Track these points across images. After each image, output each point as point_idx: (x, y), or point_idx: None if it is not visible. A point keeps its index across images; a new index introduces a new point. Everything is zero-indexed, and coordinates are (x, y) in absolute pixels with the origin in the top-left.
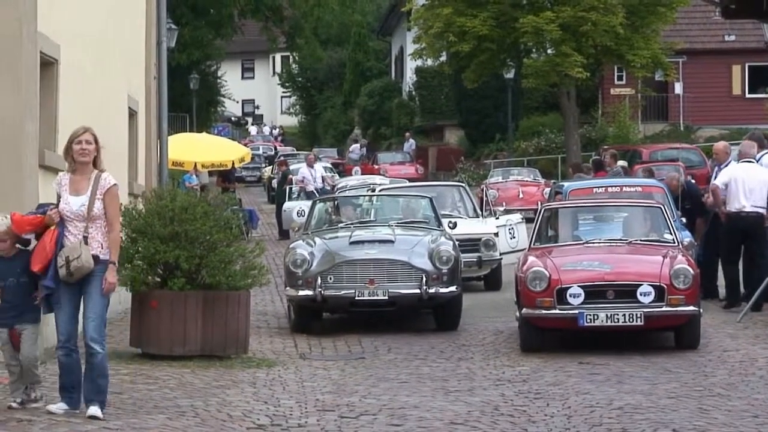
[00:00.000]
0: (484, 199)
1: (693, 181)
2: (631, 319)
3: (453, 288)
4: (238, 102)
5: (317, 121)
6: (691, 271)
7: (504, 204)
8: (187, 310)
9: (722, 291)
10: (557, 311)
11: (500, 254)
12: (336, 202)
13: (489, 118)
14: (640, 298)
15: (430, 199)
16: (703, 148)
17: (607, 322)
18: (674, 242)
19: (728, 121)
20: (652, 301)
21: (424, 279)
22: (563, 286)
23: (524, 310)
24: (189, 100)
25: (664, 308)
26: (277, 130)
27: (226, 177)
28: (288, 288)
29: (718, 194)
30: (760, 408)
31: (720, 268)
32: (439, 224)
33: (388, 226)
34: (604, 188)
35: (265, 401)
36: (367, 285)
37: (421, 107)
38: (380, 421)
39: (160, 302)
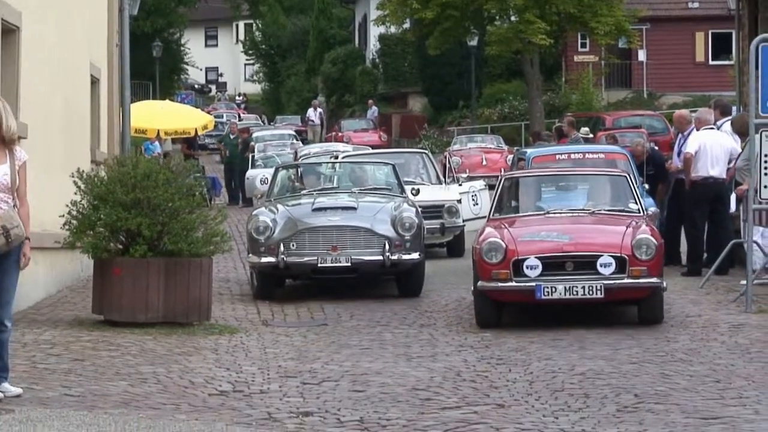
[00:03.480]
0: (447, 166)
1: (656, 147)
2: (590, 292)
3: (416, 255)
4: (201, 70)
5: (281, 89)
6: (655, 241)
7: (467, 171)
8: (150, 277)
9: (684, 257)
10: (513, 284)
11: (463, 221)
12: (299, 170)
13: (452, 86)
14: (600, 270)
15: (393, 166)
16: (666, 115)
17: (565, 294)
18: (639, 212)
19: (691, 88)
20: (613, 273)
21: (387, 246)
22: (520, 257)
23: (480, 283)
24: (152, 67)
25: (625, 280)
26: (241, 97)
27: (190, 144)
28: (251, 255)
29: (691, 162)
30: (722, 373)
31: (683, 234)
32: (402, 191)
33: (351, 193)
34: (567, 155)
35: (227, 368)
36: (329, 252)
37: (385, 75)
38: (342, 387)
39: (122, 269)
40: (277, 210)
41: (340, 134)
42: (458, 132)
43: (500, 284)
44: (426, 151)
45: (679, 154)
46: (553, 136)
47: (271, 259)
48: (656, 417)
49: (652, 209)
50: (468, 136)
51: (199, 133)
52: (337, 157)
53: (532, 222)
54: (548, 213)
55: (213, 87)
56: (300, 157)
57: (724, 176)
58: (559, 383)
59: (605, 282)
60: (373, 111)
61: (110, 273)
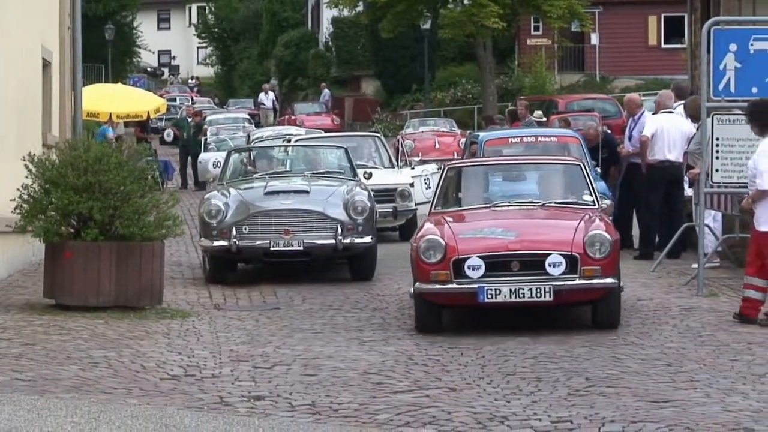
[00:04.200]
0: (400, 149)
1: (609, 131)
2: (538, 294)
3: (368, 238)
4: (154, 53)
5: (233, 72)
6: (609, 237)
7: (420, 154)
8: (101, 261)
9: (636, 241)
10: (454, 286)
11: (415, 205)
12: (251, 153)
13: (405, 69)
14: (549, 270)
15: (346, 150)
16: (618, 99)
17: (510, 297)
18: (594, 204)
19: (644, 71)
20: (563, 273)
21: (339, 229)
22: (460, 256)
23: (417, 285)
24: (104, 50)
25: (576, 281)
26: (194, 80)
27: (143, 128)
28: (203, 239)
29: (647, 145)
30: (673, 357)
31: (634, 218)
32: (355, 175)
33: (304, 176)
34: (519, 138)
35: (178, 352)
36: (282, 235)
37: (338, 58)
38: (294, 371)
39: (73, 253)
40: (230, 194)
41: (292, 118)
42: (411, 115)
43: (439, 286)
44: (379, 135)
45: (630, 138)
46: (506, 119)
47: (224, 243)
48: (607, 400)
49: (608, 201)
50: (421, 119)
51: (152, 116)
52: (289, 141)
53: (476, 216)
54: (494, 206)
55: (165, 70)
56: (252, 140)
57: (681, 160)
58: (512, 367)
59: (554, 283)
60: (326, 94)
61: (62, 257)
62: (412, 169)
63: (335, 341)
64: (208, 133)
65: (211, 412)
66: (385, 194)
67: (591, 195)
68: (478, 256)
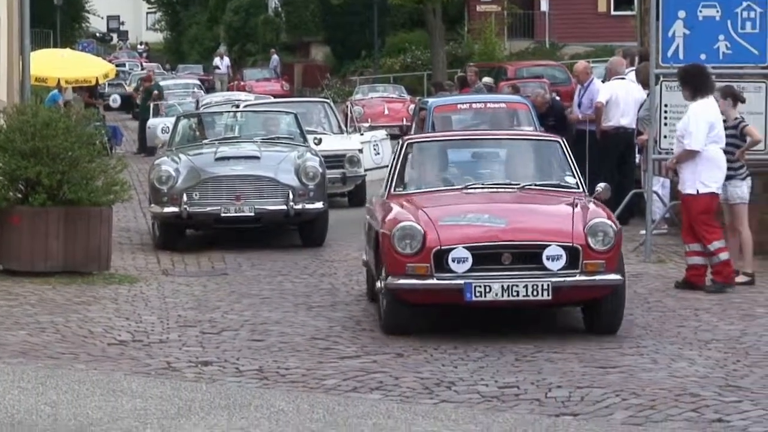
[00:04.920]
0: (349, 115)
1: (558, 98)
2: (534, 292)
3: (319, 204)
4: (102, 18)
5: (182, 38)
6: (613, 227)
7: (369, 120)
8: (49, 226)
9: None
10: (435, 281)
11: (365, 170)
12: (200, 119)
13: (355, 35)
14: (547, 264)
15: (295, 116)
16: (568, 66)
17: (503, 295)
18: (578, 188)
19: (594, 38)
20: (563, 268)
21: (291, 195)
22: (443, 247)
23: (390, 280)
24: (53, 15)
25: (578, 277)
26: (143, 46)
27: (91, 93)
28: (153, 205)
29: (602, 111)
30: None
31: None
32: (305, 140)
33: (254, 142)
34: (468, 104)
35: (126, 317)
36: (233, 201)
37: (288, 24)
38: (242, 337)
39: (21, 218)
40: (180, 159)
41: (242, 83)
42: (361, 82)
43: (418, 281)
44: (328, 101)
45: (579, 105)
46: (456, 85)
47: (174, 209)
48: (554, 366)
49: (603, 185)
50: (370, 85)
51: (101, 82)
52: (238, 107)
53: (448, 200)
54: (467, 188)
55: (114, 36)
56: (202, 106)
57: (634, 126)
58: (459, 332)
59: (553, 279)
60: (275, 60)
61: (9, 222)
62: (361, 135)
63: (283, 307)
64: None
65: (159, 377)
66: (334, 160)
67: (574, 176)
68: (464, 247)
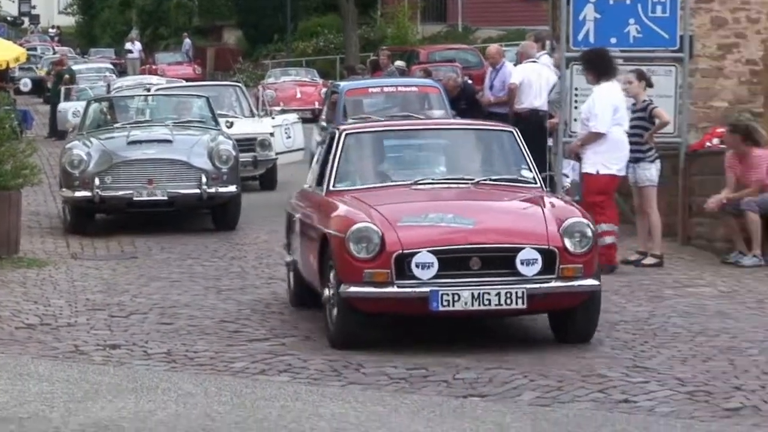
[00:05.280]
0: (261, 99)
1: (470, 81)
2: (508, 300)
3: (232, 187)
4: (13, 2)
5: (94, 21)
6: (591, 227)
7: (281, 104)
8: None
9: None
10: (396, 289)
11: (276, 154)
12: (111, 103)
13: (268, 19)
14: (521, 269)
15: (207, 99)
16: (481, 49)
17: (473, 304)
18: (535, 182)
19: (506, 22)
20: (538, 273)
21: (204, 178)
22: (406, 251)
23: (343, 288)
24: None
25: (554, 283)
26: (54, 30)
27: (2, 77)
28: (64, 189)
29: (515, 93)
30: None
31: None
32: (217, 124)
33: (165, 126)
34: (380, 88)
35: (35, 301)
36: (145, 185)
37: (200, 7)
38: (150, 320)
39: None
40: (92, 143)
41: (154, 67)
42: (273, 65)
43: (376, 289)
44: (239, 84)
45: (491, 88)
46: (368, 69)
47: (86, 193)
48: (462, 348)
49: (571, 180)
50: (282, 69)
51: (11, 66)
52: (149, 90)
53: (399, 197)
54: (416, 183)
55: (26, 19)
56: (113, 90)
57: (546, 108)
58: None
59: (528, 286)
60: (188, 44)
61: None
62: (273, 118)
63: (192, 290)
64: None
65: (66, 360)
66: (245, 144)
67: (530, 170)
68: (429, 251)
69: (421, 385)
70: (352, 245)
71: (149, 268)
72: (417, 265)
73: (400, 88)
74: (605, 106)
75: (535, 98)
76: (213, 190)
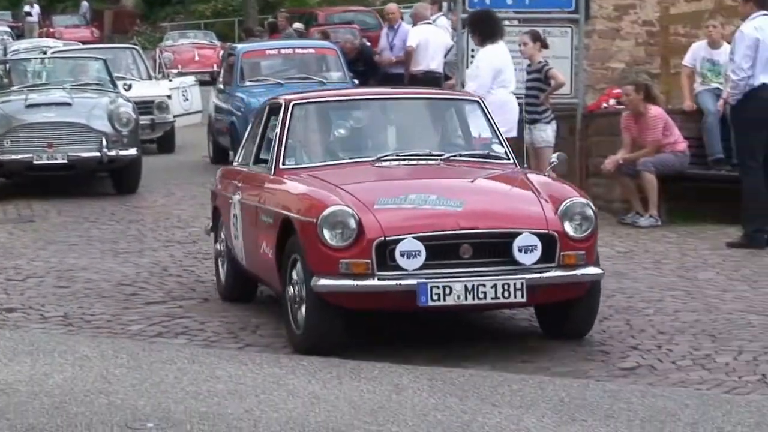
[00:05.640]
0: (158, 61)
1: (369, 43)
2: (506, 293)
3: (133, 150)
4: None
5: None
6: (591, 208)
7: (179, 67)
8: None
9: None
10: (378, 282)
11: (173, 117)
12: (7, 66)
13: None
14: (518, 257)
15: (105, 62)
16: (378, 11)
17: (467, 298)
18: (507, 158)
19: None
20: (538, 262)
21: (104, 141)
22: (388, 237)
23: (316, 281)
24: None
25: (555, 272)
26: None
27: None
28: None
29: (412, 55)
30: None
31: None
32: (115, 86)
33: (63, 88)
34: (277, 50)
35: None
36: (45, 149)
37: None
38: (47, 283)
39: None
40: None
41: (51, 30)
42: (171, 28)
43: (354, 282)
44: (137, 47)
45: (391, 48)
46: (266, 31)
47: None
48: None
49: (559, 154)
50: (181, 32)
51: None
52: (45, 53)
53: (364, 175)
54: (380, 160)
55: None
56: (9, 53)
57: (441, 70)
58: None
59: (527, 276)
60: (85, 7)
61: None
62: (170, 81)
63: (90, 253)
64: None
65: None
66: (142, 106)
67: (501, 145)
68: (415, 238)
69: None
70: (326, 231)
71: (46, 231)
72: (402, 254)
73: (297, 51)
74: (486, 68)
75: (431, 60)
76: (113, 153)
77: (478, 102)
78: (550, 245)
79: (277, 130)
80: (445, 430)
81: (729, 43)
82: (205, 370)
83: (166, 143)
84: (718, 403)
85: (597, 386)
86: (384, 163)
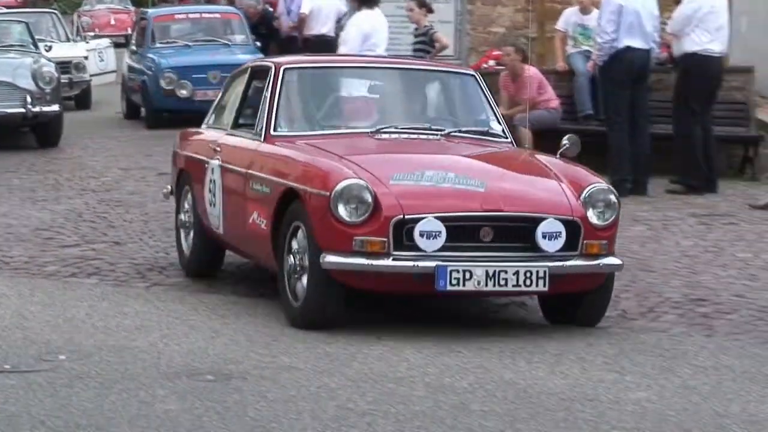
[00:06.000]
0: (77, 25)
1: (271, 9)
2: (528, 281)
3: (55, 107)
4: None
5: None
6: (615, 195)
7: (96, 30)
8: None
9: None
10: (394, 262)
11: (90, 76)
12: None
13: None
14: (541, 243)
15: (27, 24)
16: None
17: (487, 284)
18: (505, 136)
19: None
20: (561, 249)
21: (29, 98)
22: (407, 216)
23: (326, 257)
24: None
25: (577, 261)
26: None
27: None
28: None
29: (305, 21)
30: None
31: None
32: (37, 48)
33: None
34: (185, 14)
35: None
36: None
37: None
38: None
39: None
40: None
41: None
42: None
43: (368, 261)
44: (56, 12)
45: (289, 13)
46: None
47: None
48: None
49: (570, 137)
50: None
51: None
52: None
53: (366, 147)
54: (379, 131)
55: None
56: None
57: (333, 34)
58: (172, 222)
59: (550, 264)
60: None
61: None
62: (87, 43)
63: (10, 201)
64: None
65: None
66: (61, 66)
67: (498, 122)
68: (436, 217)
69: (219, 285)
70: (341, 206)
71: None
72: (421, 234)
73: (204, 15)
74: (356, 33)
75: (323, 25)
76: (37, 109)
77: (474, 77)
78: (574, 233)
79: (266, 94)
80: (332, 361)
81: (598, 9)
82: (114, 307)
83: (83, 100)
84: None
85: None
86: (383, 135)
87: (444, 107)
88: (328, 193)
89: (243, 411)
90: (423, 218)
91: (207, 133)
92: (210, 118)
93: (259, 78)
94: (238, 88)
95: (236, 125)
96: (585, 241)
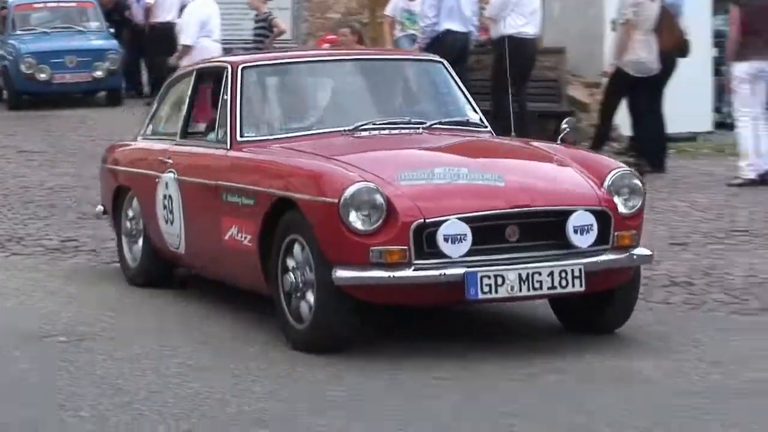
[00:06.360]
0: None
1: None
2: (563, 282)
3: None
4: None
5: None
6: (639, 179)
7: None
8: None
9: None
10: (417, 273)
11: None
12: None
13: None
14: (573, 239)
15: None
16: None
17: (521, 289)
18: (484, 125)
19: None
20: (594, 244)
21: None
22: (428, 219)
23: (339, 273)
24: None
25: (610, 255)
26: None
27: None
28: None
29: (152, 9)
30: None
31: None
32: None
33: None
34: (43, 4)
35: None
36: None
37: None
38: None
39: None
40: None
41: None
42: None
43: (390, 274)
44: None
45: (139, 1)
46: None
47: None
48: None
49: (569, 120)
50: None
51: None
52: None
53: (353, 147)
54: (358, 129)
55: None
56: None
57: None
58: (30, 196)
59: (584, 261)
60: None
61: None
62: None
63: None
64: None
65: None
66: None
67: (475, 111)
68: (459, 218)
69: (73, 254)
70: (353, 214)
71: None
72: (446, 239)
73: (61, 4)
74: (192, 21)
75: (167, 13)
76: None
77: (442, 63)
78: (605, 224)
79: (225, 97)
80: (178, 323)
81: None
82: None
83: None
84: None
85: None
86: (363, 133)
87: (417, 98)
88: (335, 200)
89: (92, 369)
90: (446, 220)
91: (146, 144)
92: (146, 128)
93: (207, 80)
94: (182, 93)
95: (186, 134)
96: (616, 233)
